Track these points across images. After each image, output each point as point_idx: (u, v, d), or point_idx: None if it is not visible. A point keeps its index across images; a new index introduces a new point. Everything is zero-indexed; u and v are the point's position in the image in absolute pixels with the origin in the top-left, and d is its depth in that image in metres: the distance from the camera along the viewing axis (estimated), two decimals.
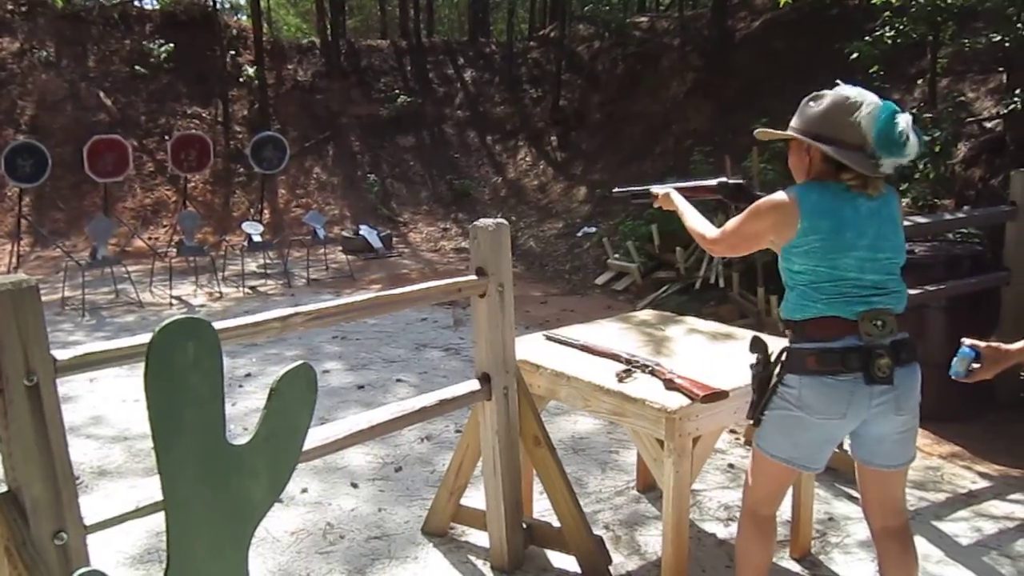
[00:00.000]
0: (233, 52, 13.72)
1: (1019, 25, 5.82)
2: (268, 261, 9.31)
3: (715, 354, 2.76)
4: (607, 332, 3.05)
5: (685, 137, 11.03)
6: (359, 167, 12.91)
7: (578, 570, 2.72)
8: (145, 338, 1.60)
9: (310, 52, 14.52)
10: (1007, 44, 5.82)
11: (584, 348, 2.81)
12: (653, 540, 2.97)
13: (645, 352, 2.73)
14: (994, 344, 1.91)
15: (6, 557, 1.65)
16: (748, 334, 3.06)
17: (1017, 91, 5.81)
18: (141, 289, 7.84)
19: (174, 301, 7.60)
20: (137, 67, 12.75)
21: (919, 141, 1.91)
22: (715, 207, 5.00)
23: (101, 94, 12.30)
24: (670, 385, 2.40)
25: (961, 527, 3.06)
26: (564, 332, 3.02)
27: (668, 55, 12.93)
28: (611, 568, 2.75)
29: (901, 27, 6.29)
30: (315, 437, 2.18)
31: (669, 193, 2.52)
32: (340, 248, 10.34)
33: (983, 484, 3.46)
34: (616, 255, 8.28)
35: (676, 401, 2.31)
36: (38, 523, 1.67)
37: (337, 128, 13.26)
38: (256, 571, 2.73)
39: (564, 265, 9.37)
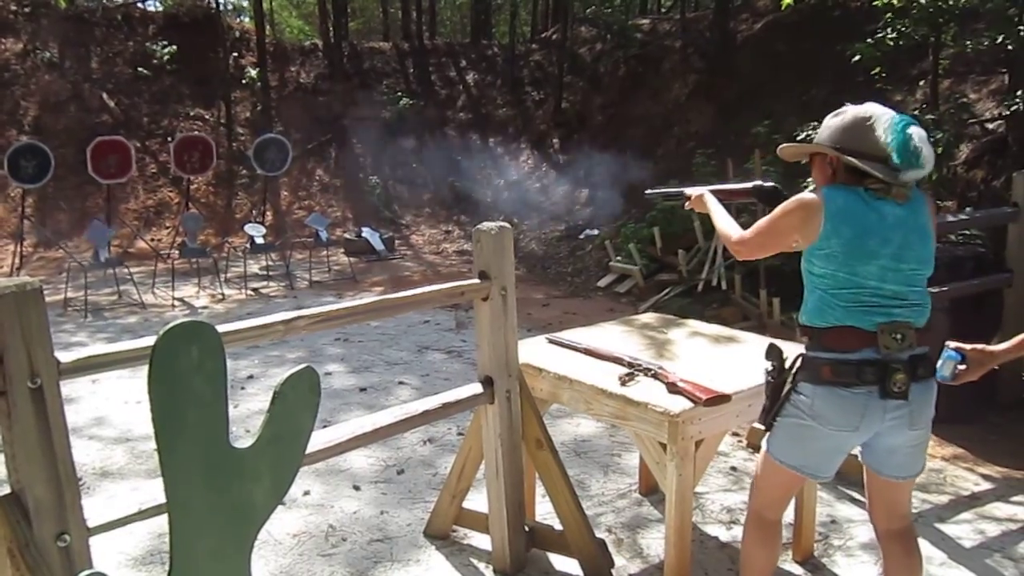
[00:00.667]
0: (236, 54, 13.73)
1: (1021, 26, 5.81)
2: (270, 263, 9.32)
3: (718, 357, 2.76)
4: (609, 335, 3.06)
5: (687, 139, 11.03)
6: (361, 169, 12.92)
7: (580, 573, 2.72)
8: (149, 341, 1.60)
9: (313, 54, 14.53)
10: (1009, 45, 5.81)
11: (587, 351, 2.81)
12: (655, 543, 2.97)
13: (647, 355, 2.73)
14: (979, 346, 1.93)
15: (9, 559, 1.65)
16: (751, 337, 3.07)
17: (1019, 92, 5.81)
18: (144, 290, 7.85)
19: (176, 302, 7.61)
20: (140, 69, 12.77)
21: (932, 154, 1.91)
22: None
23: (104, 95, 12.32)
24: (673, 388, 2.40)
25: (964, 529, 3.06)
26: (566, 335, 3.03)
27: (670, 57, 12.93)
28: (613, 571, 2.74)
29: (903, 28, 6.27)
30: (318, 440, 2.18)
31: (703, 195, 2.49)
32: (342, 250, 10.36)
33: (986, 486, 3.46)
34: (618, 258, 8.27)
35: (679, 404, 2.31)
36: (41, 525, 1.67)
37: (339, 130, 13.26)
38: (258, 573, 2.73)
39: (566, 267, 9.37)
